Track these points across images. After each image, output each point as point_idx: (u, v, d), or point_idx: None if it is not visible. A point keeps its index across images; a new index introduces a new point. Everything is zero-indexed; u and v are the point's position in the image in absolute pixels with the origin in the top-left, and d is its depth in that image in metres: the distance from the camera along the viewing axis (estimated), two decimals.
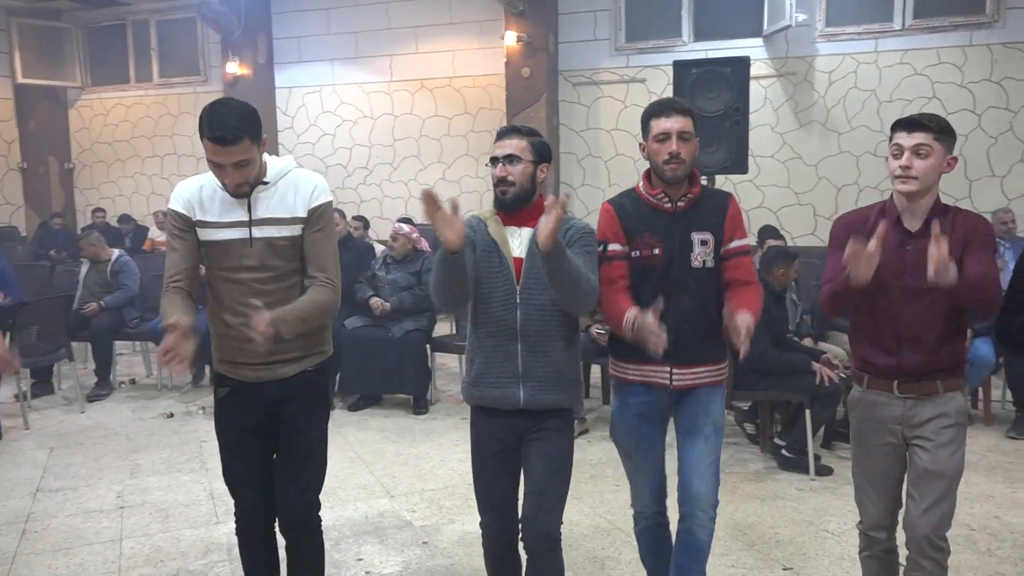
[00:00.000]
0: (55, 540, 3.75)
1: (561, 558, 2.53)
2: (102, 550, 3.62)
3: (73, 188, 12.26)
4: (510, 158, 2.45)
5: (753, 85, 8.32)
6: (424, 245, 6.16)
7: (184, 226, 2.48)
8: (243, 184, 2.38)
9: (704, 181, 2.80)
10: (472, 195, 9.92)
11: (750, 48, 8.43)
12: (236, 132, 2.26)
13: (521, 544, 2.54)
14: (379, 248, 7.17)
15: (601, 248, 2.62)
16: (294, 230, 2.46)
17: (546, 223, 2.20)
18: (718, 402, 2.68)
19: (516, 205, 2.48)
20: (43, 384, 6.51)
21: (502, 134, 2.50)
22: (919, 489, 2.46)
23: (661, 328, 2.37)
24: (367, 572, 3.41)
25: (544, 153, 2.51)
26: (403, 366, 5.76)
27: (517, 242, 2.50)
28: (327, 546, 3.03)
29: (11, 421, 5.65)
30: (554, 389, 2.49)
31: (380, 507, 4.10)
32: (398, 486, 4.40)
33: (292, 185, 2.48)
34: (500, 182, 2.46)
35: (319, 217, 2.49)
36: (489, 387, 2.51)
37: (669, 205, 2.60)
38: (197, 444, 5.17)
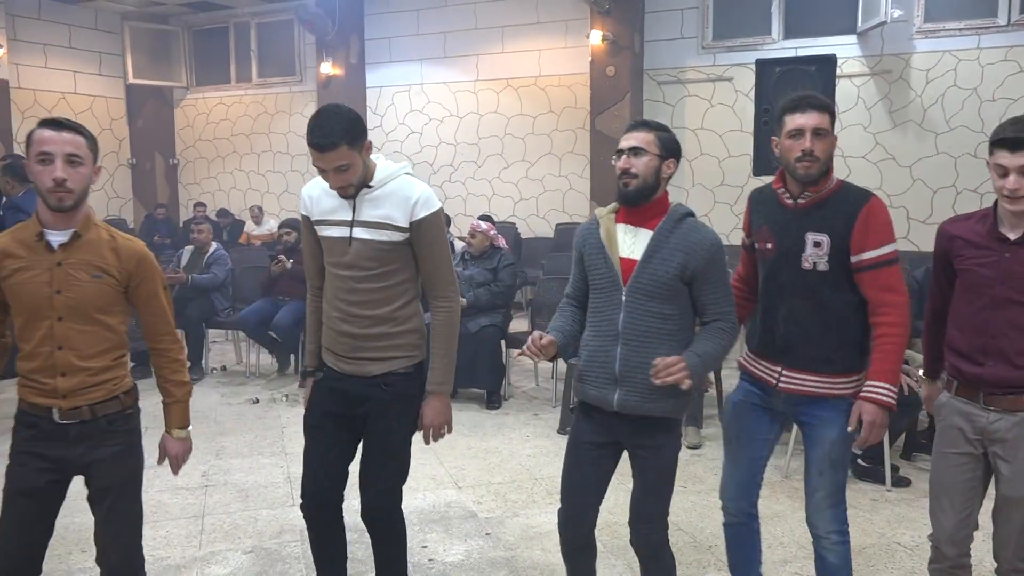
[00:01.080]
0: (144, 513, 3.98)
1: (668, 557, 2.56)
2: (186, 524, 3.84)
3: (177, 183, 12.91)
4: (635, 150, 2.41)
5: (845, 84, 8.17)
6: (501, 242, 6.24)
7: (307, 225, 2.66)
8: (346, 187, 2.47)
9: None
10: (555, 194, 9.97)
11: (843, 46, 8.20)
12: (333, 139, 2.35)
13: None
14: (459, 245, 7.31)
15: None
16: (392, 236, 2.51)
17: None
18: (833, 429, 2.51)
19: (638, 199, 2.41)
20: (142, 367, 6.90)
21: (630, 127, 2.47)
22: (999, 517, 2.41)
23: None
24: (430, 559, 3.51)
25: (672, 149, 2.46)
26: (478, 361, 5.85)
27: (630, 241, 2.45)
28: None
29: None
30: (649, 398, 2.40)
31: (447, 497, 4.20)
32: (466, 478, 4.49)
33: (393, 193, 2.52)
34: (623, 174, 2.41)
35: (425, 230, 2.52)
36: (590, 386, 2.50)
37: (790, 201, 2.51)
38: (279, 430, 5.39)
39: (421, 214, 2.50)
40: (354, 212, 2.53)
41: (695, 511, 3.99)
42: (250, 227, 11.38)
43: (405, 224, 2.51)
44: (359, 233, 2.53)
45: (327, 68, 10.84)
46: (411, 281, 2.64)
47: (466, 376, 5.93)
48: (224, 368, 7.29)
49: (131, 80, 12.17)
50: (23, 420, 2.32)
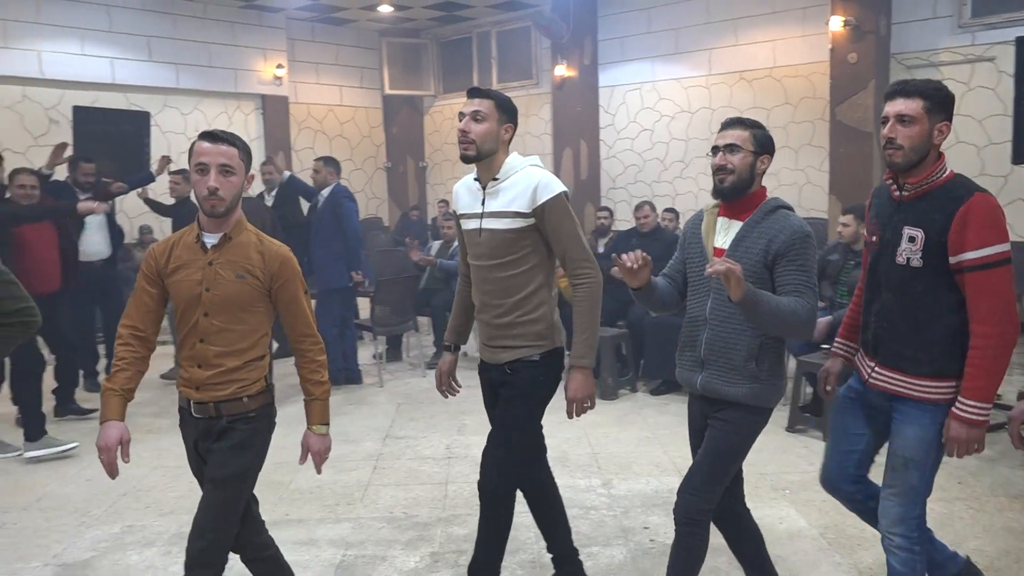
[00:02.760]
0: (397, 477, 4.52)
1: (701, 537, 2.56)
2: (431, 490, 4.30)
3: (425, 184, 14.00)
4: (730, 147, 2.50)
5: None
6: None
7: (456, 220, 2.94)
8: (468, 142, 2.68)
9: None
10: (790, 188, 9.66)
11: None
12: (488, 90, 2.73)
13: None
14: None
15: None
16: (516, 223, 2.68)
17: (725, 279, 2.25)
18: (912, 428, 2.43)
19: (732, 194, 2.51)
20: (394, 351, 7.67)
21: (725, 125, 2.56)
22: None
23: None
24: (651, 539, 3.67)
25: (767, 145, 2.53)
26: None
27: (725, 233, 2.56)
28: (617, 513, 3.30)
29: (370, 379, 6.82)
30: (727, 381, 2.50)
31: (670, 484, 4.33)
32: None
33: (517, 183, 2.70)
34: (719, 170, 2.52)
35: (549, 212, 2.66)
36: (681, 368, 2.68)
37: (897, 194, 2.46)
38: None
39: (543, 198, 2.65)
40: (484, 204, 2.75)
41: None
42: None
43: (528, 210, 2.66)
44: (487, 224, 2.73)
45: (561, 70, 11.26)
46: (539, 268, 2.74)
47: None
48: (466, 354, 7.89)
49: (387, 91, 13.37)
50: (179, 408, 2.52)
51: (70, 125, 7.78)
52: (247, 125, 11.81)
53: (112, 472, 2.35)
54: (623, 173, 11.35)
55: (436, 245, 8.01)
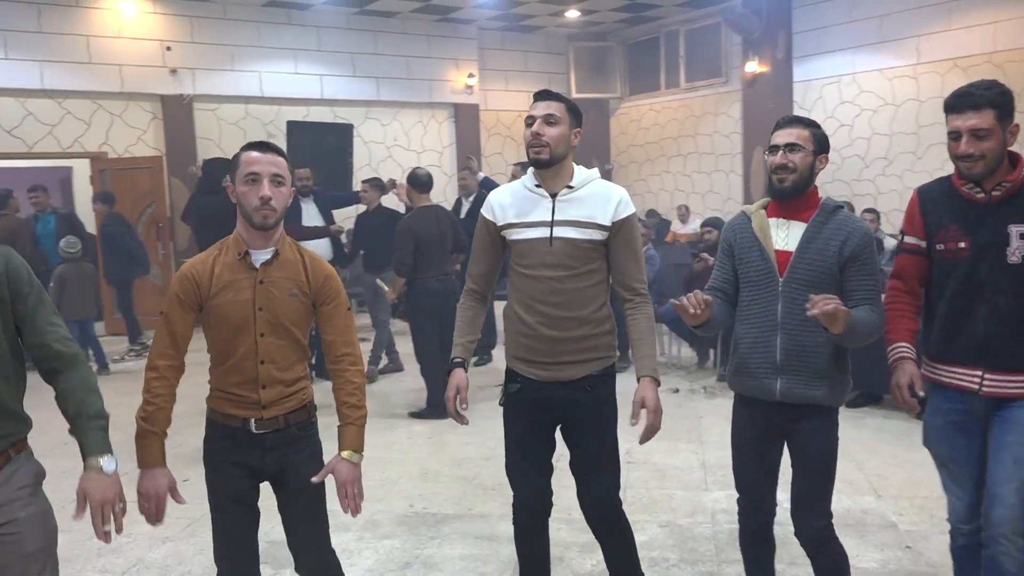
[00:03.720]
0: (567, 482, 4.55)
1: (836, 548, 2.55)
2: None
3: None
4: (791, 146, 2.46)
5: None
6: None
7: (490, 230, 2.71)
8: (542, 146, 2.54)
9: None
10: None
11: None
12: (559, 95, 2.62)
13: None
14: (890, 243, 6.89)
15: (900, 237, 2.63)
16: (593, 234, 2.58)
17: (830, 317, 2.23)
18: None
19: (793, 193, 2.49)
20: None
21: (784, 124, 2.52)
22: None
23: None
24: None
25: (824, 145, 2.52)
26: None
27: (783, 234, 2.53)
28: None
29: None
30: (813, 384, 2.47)
31: (864, 504, 4.08)
32: (888, 488, 4.31)
33: (596, 194, 2.60)
34: (780, 169, 2.48)
35: (626, 229, 2.61)
36: (748, 377, 2.54)
37: (982, 195, 2.40)
38: (696, 419, 5.68)
39: (624, 214, 2.60)
40: (554, 212, 2.59)
41: None
42: (676, 226, 11.92)
43: (607, 223, 2.58)
44: (562, 232, 2.57)
45: (752, 67, 10.89)
46: (606, 283, 2.67)
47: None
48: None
49: (574, 95, 13.49)
50: (217, 432, 2.34)
51: (284, 138, 8.50)
52: (440, 133, 12.37)
53: (159, 519, 2.26)
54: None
55: None
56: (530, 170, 2.67)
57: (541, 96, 2.61)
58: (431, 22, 11.95)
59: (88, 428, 2.01)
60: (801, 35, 10.77)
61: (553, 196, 2.60)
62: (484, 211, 2.72)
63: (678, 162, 12.85)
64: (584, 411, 2.62)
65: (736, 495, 2.76)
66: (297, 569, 2.45)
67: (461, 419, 2.70)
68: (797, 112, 10.83)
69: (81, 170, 10.57)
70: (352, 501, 2.34)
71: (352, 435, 2.33)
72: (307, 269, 2.33)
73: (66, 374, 2.03)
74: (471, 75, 12.38)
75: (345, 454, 2.32)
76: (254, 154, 2.26)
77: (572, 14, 11.95)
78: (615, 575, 2.84)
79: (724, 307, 2.64)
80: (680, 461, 4.80)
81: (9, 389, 1.98)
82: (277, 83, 10.82)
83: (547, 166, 2.58)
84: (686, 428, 5.48)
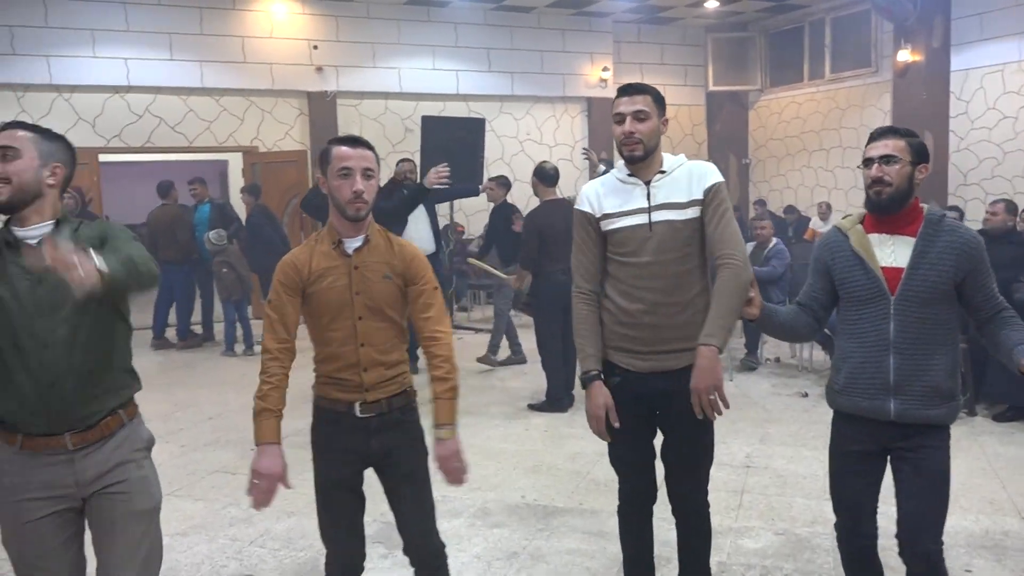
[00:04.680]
0: None
1: (945, 573, 2.44)
2: (726, 497, 4.19)
3: (748, 182, 13.57)
4: (886, 158, 2.38)
5: None
6: None
7: (590, 224, 2.67)
8: (635, 143, 2.52)
9: None
10: None
11: None
12: (643, 86, 2.58)
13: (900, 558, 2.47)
14: None
15: None
16: (692, 213, 2.55)
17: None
18: None
19: (891, 207, 2.40)
20: None
21: (878, 135, 2.44)
22: None
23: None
24: None
25: (923, 154, 2.42)
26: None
27: (889, 251, 2.42)
28: None
29: None
30: (929, 404, 2.38)
31: (1006, 525, 3.79)
32: None
33: (686, 173, 2.59)
34: (875, 183, 2.39)
35: (714, 194, 2.55)
36: (858, 397, 2.42)
37: None
38: (824, 425, 5.32)
39: (712, 180, 2.56)
40: (650, 198, 2.58)
41: None
42: (816, 223, 11.40)
43: (700, 195, 2.55)
44: (661, 216, 2.55)
45: (904, 56, 10.26)
46: (705, 267, 2.62)
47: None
48: (778, 360, 7.55)
49: (711, 88, 13.17)
50: (324, 416, 2.44)
51: (419, 133, 8.75)
52: (572, 127, 12.37)
53: (268, 501, 2.34)
54: (976, 168, 10.05)
55: (749, 247, 7.73)
56: (619, 162, 2.68)
57: (626, 91, 2.57)
58: (567, 16, 11.96)
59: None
60: (960, 21, 10.04)
61: (647, 183, 2.60)
62: (579, 205, 2.70)
63: (820, 157, 12.29)
64: (684, 402, 2.47)
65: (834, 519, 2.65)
66: (405, 551, 2.53)
67: (606, 437, 2.63)
68: (955, 104, 10.15)
69: (236, 163, 11.30)
70: (453, 475, 2.42)
71: (443, 409, 2.40)
72: (396, 252, 2.42)
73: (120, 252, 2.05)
74: (605, 69, 12.30)
75: (438, 432, 2.40)
76: (345, 149, 2.34)
77: (711, 5, 11.65)
78: (685, 569, 2.83)
79: (800, 319, 2.61)
80: (804, 468, 4.61)
81: (120, 347, 2.20)
82: (415, 79, 11.14)
83: (640, 161, 2.58)
84: (813, 434, 5.25)
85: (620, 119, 2.55)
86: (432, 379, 2.42)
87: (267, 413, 2.34)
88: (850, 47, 11.69)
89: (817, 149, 12.31)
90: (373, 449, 2.41)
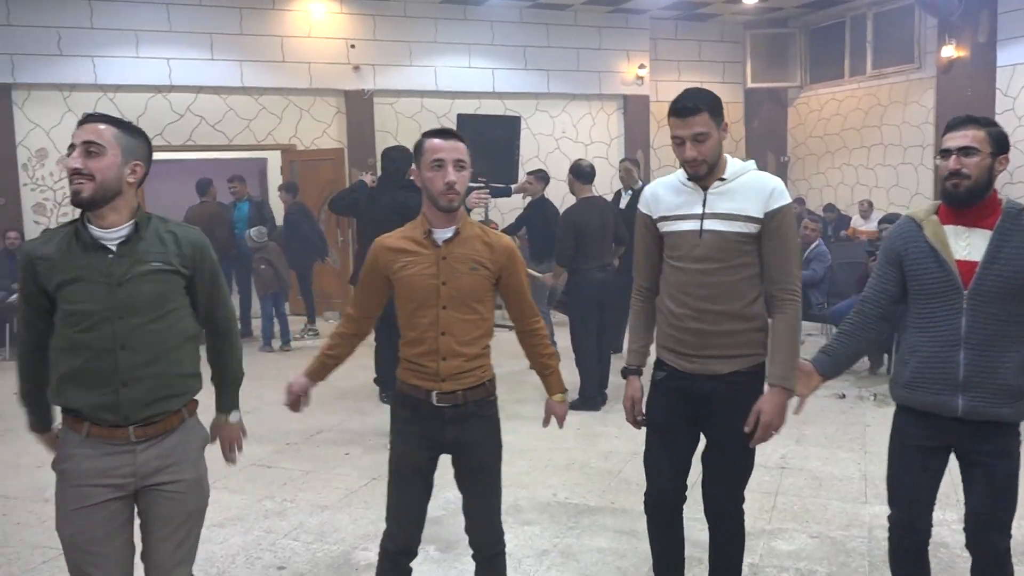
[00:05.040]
0: None
1: (1011, 571, 2.44)
2: (759, 498, 4.15)
3: (786, 180, 13.38)
4: (965, 150, 2.31)
5: None
6: None
7: (648, 224, 2.70)
8: (699, 162, 2.46)
9: None
10: None
11: None
12: (697, 103, 2.44)
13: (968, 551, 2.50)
14: None
15: None
16: (747, 227, 2.50)
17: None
18: None
19: (969, 200, 2.33)
20: None
21: (956, 124, 2.36)
22: None
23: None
24: None
25: (1003, 144, 2.33)
26: None
27: (964, 244, 2.36)
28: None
29: None
30: (999, 402, 2.34)
31: None
32: None
33: (749, 185, 2.52)
34: (952, 175, 2.32)
35: (779, 220, 2.50)
36: (924, 392, 2.36)
37: None
38: (862, 427, 5.36)
39: (777, 204, 2.49)
40: (705, 205, 2.53)
41: None
42: (857, 222, 11.23)
43: (759, 215, 2.49)
44: (712, 225, 2.52)
45: (949, 51, 10.05)
46: (759, 277, 2.57)
47: None
48: None
49: (749, 85, 13.01)
50: (404, 401, 2.53)
51: None
52: (608, 125, 12.31)
53: (295, 408, 2.64)
54: (1023, 166, 9.81)
55: None
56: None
57: (680, 112, 2.46)
58: (603, 13, 11.91)
59: (227, 387, 2.48)
60: (1008, 15, 9.79)
61: (705, 189, 2.57)
62: (640, 205, 2.74)
63: (861, 154, 12.09)
64: (727, 406, 2.55)
65: (888, 511, 2.61)
66: (466, 531, 2.62)
67: (636, 425, 2.80)
68: (1001, 100, 9.92)
69: (274, 161, 11.44)
70: (561, 420, 2.73)
71: (556, 379, 2.69)
72: (489, 244, 2.49)
73: (222, 340, 2.43)
74: (642, 66, 12.22)
75: (555, 397, 2.70)
76: (437, 141, 2.41)
77: (750, 1, 11.51)
78: (716, 572, 2.83)
79: (858, 343, 2.60)
80: (839, 470, 4.55)
81: (189, 351, 2.28)
82: (451, 77, 11.18)
83: (705, 176, 2.55)
84: (849, 436, 5.18)
85: (679, 142, 2.49)
86: (540, 356, 2.68)
87: (321, 356, 2.63)
88: (893, 43, 11.47)
89: (858, 147, 12.11)
90: (447, 438, 2.49)
